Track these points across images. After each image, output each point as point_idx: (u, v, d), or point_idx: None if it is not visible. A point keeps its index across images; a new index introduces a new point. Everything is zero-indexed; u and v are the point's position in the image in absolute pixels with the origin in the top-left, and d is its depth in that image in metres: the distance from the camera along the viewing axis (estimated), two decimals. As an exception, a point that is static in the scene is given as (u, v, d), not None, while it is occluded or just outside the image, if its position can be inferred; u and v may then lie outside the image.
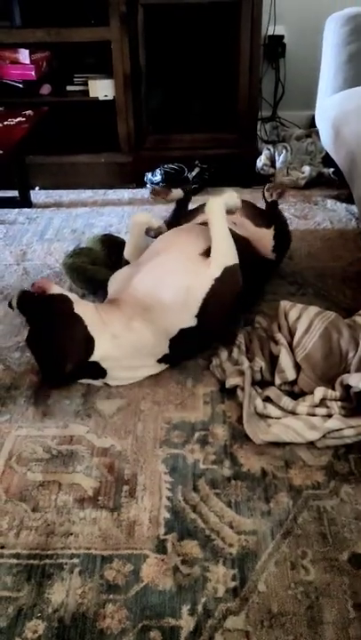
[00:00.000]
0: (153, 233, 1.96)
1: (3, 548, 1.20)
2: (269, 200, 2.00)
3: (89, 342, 1.51)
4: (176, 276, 1.60)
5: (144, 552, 1.18)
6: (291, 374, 1.53)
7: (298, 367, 1.54)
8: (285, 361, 1.54)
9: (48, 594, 1.12)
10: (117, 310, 1.59)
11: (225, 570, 1.15)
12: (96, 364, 1.53)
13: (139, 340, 1.56)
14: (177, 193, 2.12)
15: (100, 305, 1.64)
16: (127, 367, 1.59)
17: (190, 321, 1.58)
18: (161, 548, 1.19)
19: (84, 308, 1.55)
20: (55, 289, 1.56)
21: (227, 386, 1.56)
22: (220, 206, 1.70)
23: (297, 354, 1.54)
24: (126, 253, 1.88)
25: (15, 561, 1.17)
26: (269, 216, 1.98)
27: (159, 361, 1.62)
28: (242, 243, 1.77)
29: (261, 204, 2.06)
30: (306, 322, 1.57)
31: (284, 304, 1.64)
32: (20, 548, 1.20)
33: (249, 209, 1.98)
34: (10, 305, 1.54)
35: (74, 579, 1.14)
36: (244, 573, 1.14)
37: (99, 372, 1.56)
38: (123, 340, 1.54)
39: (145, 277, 1.63)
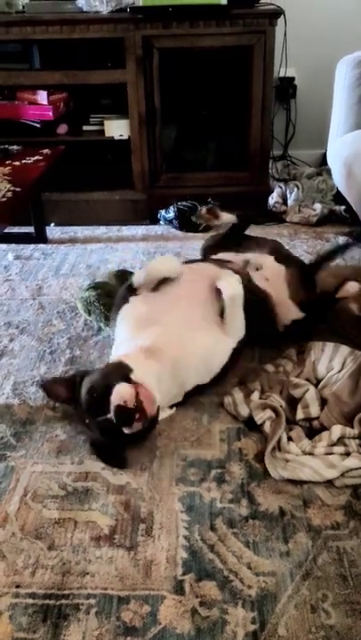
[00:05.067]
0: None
1: (18, 587, 1.18)
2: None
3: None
4: (203, 338, 1.62)
5: (161, 593, 1.17)
6: (315, 411, 1.53)
7: (322, 405, 1.55)
8: (312, 396, 1.55)
9: (64, 635, 1.10)
10: (155, 364, 1.52)
11: (244, 612, 1.13)
12: None
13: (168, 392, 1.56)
14: (227, 217, 2.07)
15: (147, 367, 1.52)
16: None
17: (207, 380, 1.63)
18: (179, 588, 1.17)
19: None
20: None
21: (257, 422, 1.54)
22: (238, 287, 1.66)
23: (324, 390, 1.55)
24: (137, 283, 1.72)
25: (31, 601, 1.16)
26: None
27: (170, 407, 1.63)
28: (261, 297, 1.80)
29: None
30: (340, 361, 1.63)
31: (316, 344, 1.70)
32: (35, 587, 1.18)
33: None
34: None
35: (90, 620, 1.12)
36: (263, 616, 1.12)
37: None
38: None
39: (172, 329, 1.60)
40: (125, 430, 1.39)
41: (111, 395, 1.39)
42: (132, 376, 1.44)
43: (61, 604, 1.15)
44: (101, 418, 1.41)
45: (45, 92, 2.77)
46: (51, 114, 2.79)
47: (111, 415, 1.38)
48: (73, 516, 1.34)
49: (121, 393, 1.39)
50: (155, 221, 2.94)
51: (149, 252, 2.63)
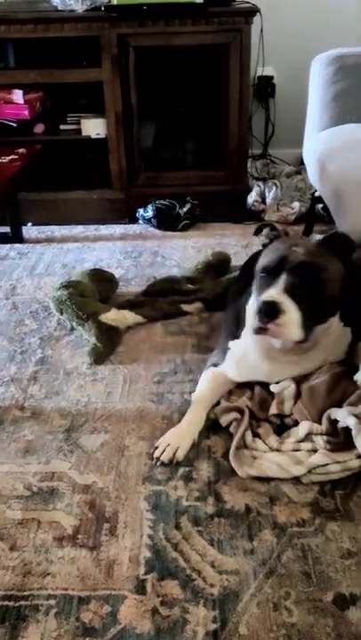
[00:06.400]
0: None
1: (-23, 588, 1.17)
2: None
3: None
4: None
5: (123, 593, 1.15)
6: (288, 407, 1.52)
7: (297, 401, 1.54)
8: (290, 394, 1.53)
9: (22, 637, 1.08)
10: None
11: (205, 611, 1.11)
12: None
13: None
14: None
15: None
16: None
17: None
18: (140, 588, 1.16)
19: None
20: None
21: (222, 424, 1.53)
22: None
23: (302, 386, 1.54)
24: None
25: (-11, 602, 1.14)
26: None
27: None
28: None
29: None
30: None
31: None
32: (-5, 588, 1.17)
33: None
34: None
35: (49, 621, 1.10)
36: (224, 615, 1.10)
37: None
38: None
39: None
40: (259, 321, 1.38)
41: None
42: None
43: (20, 606, 1.13)
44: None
45: (21, 92, 2.74)
46: (27, 113, 2.77)
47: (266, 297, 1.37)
48: (37, 516, 1.32)
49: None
50: (133, 220, 2.92)
51: (127, 250, 2.62)
